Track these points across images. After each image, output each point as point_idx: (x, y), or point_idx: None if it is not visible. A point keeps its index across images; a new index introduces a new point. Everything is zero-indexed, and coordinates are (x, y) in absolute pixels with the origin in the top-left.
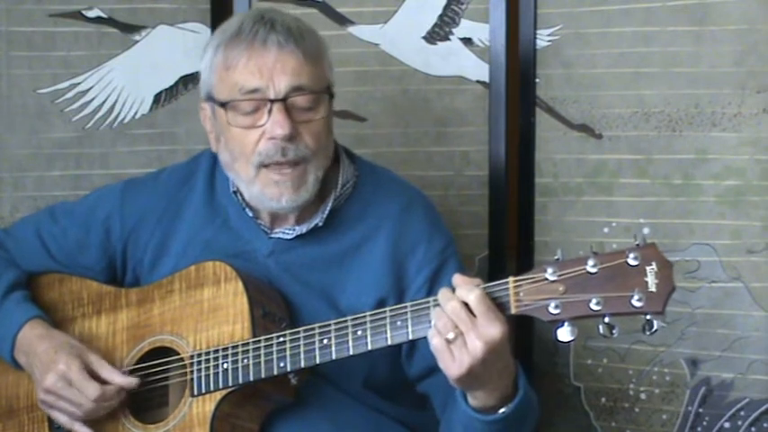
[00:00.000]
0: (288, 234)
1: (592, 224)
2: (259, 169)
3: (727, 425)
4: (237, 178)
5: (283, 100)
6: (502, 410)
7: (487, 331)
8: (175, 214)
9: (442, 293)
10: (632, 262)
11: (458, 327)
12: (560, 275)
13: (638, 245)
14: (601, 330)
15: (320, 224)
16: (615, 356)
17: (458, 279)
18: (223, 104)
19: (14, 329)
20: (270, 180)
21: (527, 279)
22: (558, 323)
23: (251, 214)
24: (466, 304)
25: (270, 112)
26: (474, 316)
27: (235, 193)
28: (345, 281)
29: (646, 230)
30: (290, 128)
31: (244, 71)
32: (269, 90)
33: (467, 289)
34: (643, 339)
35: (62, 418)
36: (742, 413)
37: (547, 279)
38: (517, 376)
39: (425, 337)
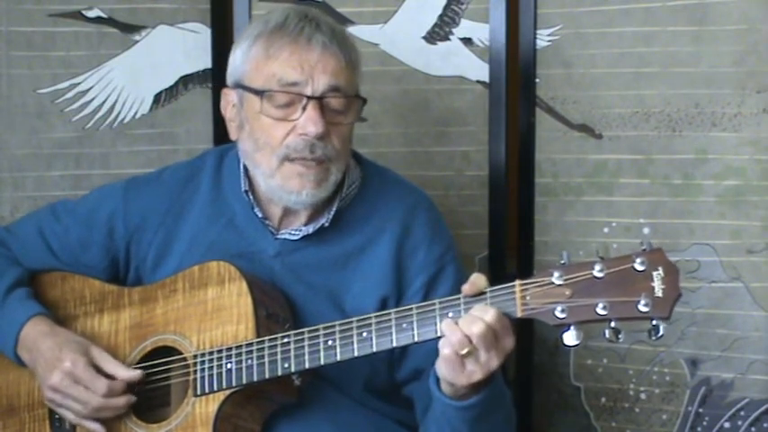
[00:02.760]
0: (294, 235)
1: (592, 224)
2: (282, 162)
3: (727, 425)
4: (256, 169)
5: (320, 98)
6: (475, 397)
7: (505, 345)
8: (179, 213)
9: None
10: (639, 267)
11: (473, 343)
12: (567, 279)
13: (644, 249)
14: (606, 335)
15: (326, 224)
16: (615, 356)
17: (467, 290)
18: (258, 92)
19: (18, 326)
20: (293, 172)
21: (533, 283)
22: (564, 327)
23: (260, 214)
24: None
25: (304, 108)
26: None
27: (246, 192)
28: (350, 282)
29: (646, 230)
30: (323, 126)
31: (285, 64)
32: (307, 86)
33: (482, 310)
34: (643, 339)
35: (70, 416)
36: (742, 413)
37: (553, 283)
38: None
39: (420, 342)
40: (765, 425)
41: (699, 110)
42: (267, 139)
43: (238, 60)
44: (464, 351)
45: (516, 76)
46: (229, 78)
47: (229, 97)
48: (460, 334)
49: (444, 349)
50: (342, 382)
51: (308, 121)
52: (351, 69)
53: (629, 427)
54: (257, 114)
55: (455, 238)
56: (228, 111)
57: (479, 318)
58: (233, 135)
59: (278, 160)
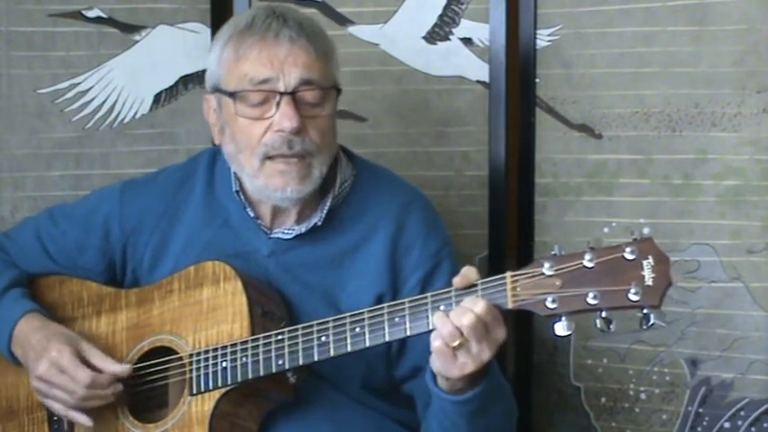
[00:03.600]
0: (287, 234)
1: (592, 224)
2: (264, 161)
3: (727, 425)
4: (241, 171)
5: (292, 93)
6: (471, 391)
7: (497, 337)
8: (174, 215)
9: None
10: (629, 256)
11: (464, 335)
12: (557, 270)
13: (635, 239)
14: (598, 325)
15: (319, 223)
16: (615, 356)
17: (458, 283)
18: (232, 94)
19: (12, 323)
20: (275, 171)
21: (524, 274)
22: (556, 318)
23: (252, 214)
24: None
25: (278, 104)
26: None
27: (237, 192)
28: (345, 280)
29: (646, 230)
30: (298, 121)
31: (255, 62)
32: (279, 82)
33: (472, 302)
34: (643, 339)
35: (56, 406)
36: (742, 413)
37: (544, 274)
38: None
39: (417, 339)
40: (765, 425)
41: (699, 110)
42: (246, 139)
43: (213, 65)
44: (455, 343)
45: (516, 76)
46: (207, 83)
47: (210, 102)
48: (451, 326)
49: (435, 341)
50: (339, 380)
51: (283, 117)
52: (323, 61)
53: (629, 427)
54: (234, 116)
55: (455, 238)
56: (210, 116)
57: (470, 309)
58: (216, 139)
59: (259, 160)
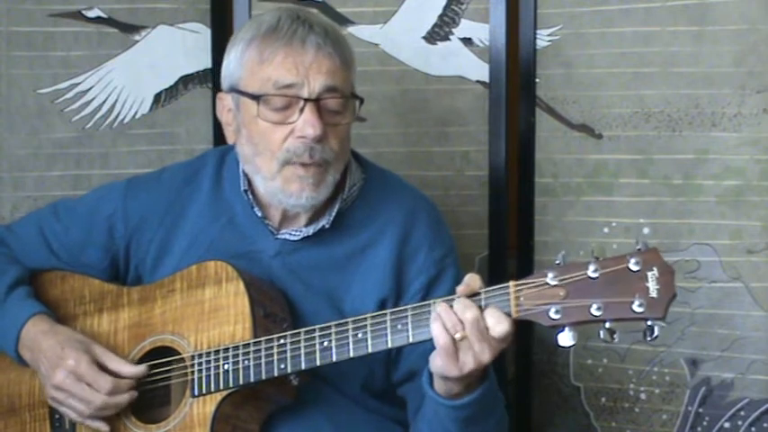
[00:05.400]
0: (294, 235)
1: (592, 224)
2: (283, 166)
3: (727, 425)
4: (255, 173)
5: (316, 100)
6: (467, 397)
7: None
8: (179, 213)
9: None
10: (633, 267)
11: (465, 329)
12: (561, 280)
13: (639, 249)
14: (602, 336)
15: (327, 226)
16: (615, 356)
17: (461, 291)
18: (255, 97)
19: (19, 325)
20: (293, 175)
21: (528, 283)
22: (559, 328)
23: (259, 214)
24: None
25: (302, 110)
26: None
27: (245, 191)
28: (349, 283)
29: (646, 230)
30: (321, 129)
31: (280, 67)
32: (303, 88)
33: (464, 305)
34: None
35: (73, 415)
36: (742, 413)
37: (548, 284)
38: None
39: (415, 343)
40: (765, 425)
41: (699, 110)
42: (266, 143)
43: (232, 65)
44: (457, 335)
45: (516, 76)
46: (224, 82)
47: (225, 101)
48: (455, 318)
49: (439, 338)
50: (340, 382)
51: (306, 124)
52: (346, 69)
53: (629, 427)
54: (254, 118)
55: (455, 238)
56: (224, 115)
57: (473, 305)
58: (230, 139)
59: (278, 164)
